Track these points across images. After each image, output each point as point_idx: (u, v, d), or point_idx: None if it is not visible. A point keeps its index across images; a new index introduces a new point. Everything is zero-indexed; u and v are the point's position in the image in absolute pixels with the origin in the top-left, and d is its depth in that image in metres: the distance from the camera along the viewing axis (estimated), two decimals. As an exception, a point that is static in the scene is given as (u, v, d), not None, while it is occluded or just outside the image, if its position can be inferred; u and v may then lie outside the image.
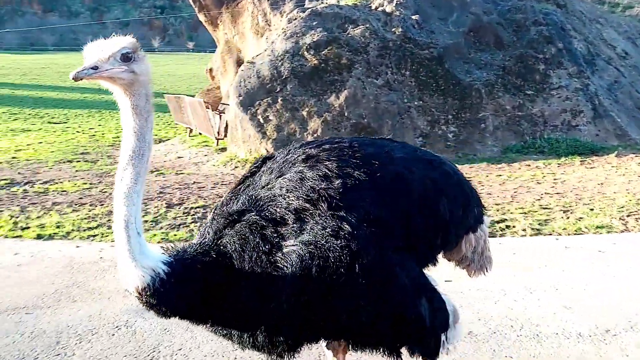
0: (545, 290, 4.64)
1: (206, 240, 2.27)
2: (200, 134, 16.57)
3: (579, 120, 13.31)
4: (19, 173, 10.65)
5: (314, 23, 13.53)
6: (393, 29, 13.69)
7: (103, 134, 17.95)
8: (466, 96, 13.32)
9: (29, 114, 23.88)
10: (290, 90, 12.60)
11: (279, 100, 12.51)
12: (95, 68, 1.99)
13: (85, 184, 9.74)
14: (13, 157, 12.64)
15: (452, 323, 2.51)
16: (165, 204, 8.09)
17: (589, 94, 13.63)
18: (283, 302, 2.15)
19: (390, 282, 2.24)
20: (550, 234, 6.55)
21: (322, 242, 2.13)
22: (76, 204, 8.13)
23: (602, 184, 9.30)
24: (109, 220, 7.38)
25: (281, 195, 2.22)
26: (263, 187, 2.31)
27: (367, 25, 13.46)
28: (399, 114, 12.89)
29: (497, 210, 7.56)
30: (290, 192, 2.22)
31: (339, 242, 2.12)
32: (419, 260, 2.48)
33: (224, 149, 13.67)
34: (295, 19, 13.84)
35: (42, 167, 11.41)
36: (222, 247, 2.22)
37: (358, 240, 2.14)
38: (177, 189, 9.40)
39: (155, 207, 7.90)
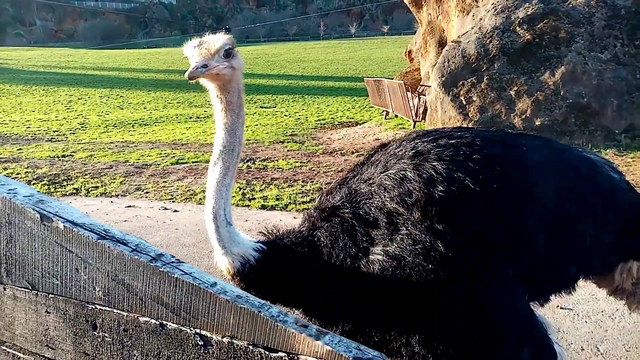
0: None
1: (303, 229, 2.22)
2: (396, 116, 16.69)
3: None
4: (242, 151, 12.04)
5: (528, -5, 12.40)
6: (626, -6, 11.83)
7: (307, 117, 19.29)
8: None
9: (245, 99, 26.92)
10: (497, 69, 11.81)
11: (485, 79, 11.83)
12: (205, 66, 2.02)
13: (297, 162, 10.55)
14: (236, 137, 14.35)
15: None
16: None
17: None
18: (357, 310, 2.02)
19: (481, 322, 1.88)
20: None
21: (409, 259, 1.88)
22: (290, 180, 8.86)
23: None
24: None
25: (377, 194, 2.02)
26: (365, 180, 2.13)
27: (593, -8, 11.85)
28: (629, 92, 11.13)
29: None
30: (388, 191, 1.99)
31: (426, 264, 1.85)
32: (540, 289, 2.08)
33: (421, 132, 13.51)
34: (506, -9, 12.85)
35: (260, 147, 12.72)
36: (315, 240, 2.15)
37: (450, 266, 1.84)
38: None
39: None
